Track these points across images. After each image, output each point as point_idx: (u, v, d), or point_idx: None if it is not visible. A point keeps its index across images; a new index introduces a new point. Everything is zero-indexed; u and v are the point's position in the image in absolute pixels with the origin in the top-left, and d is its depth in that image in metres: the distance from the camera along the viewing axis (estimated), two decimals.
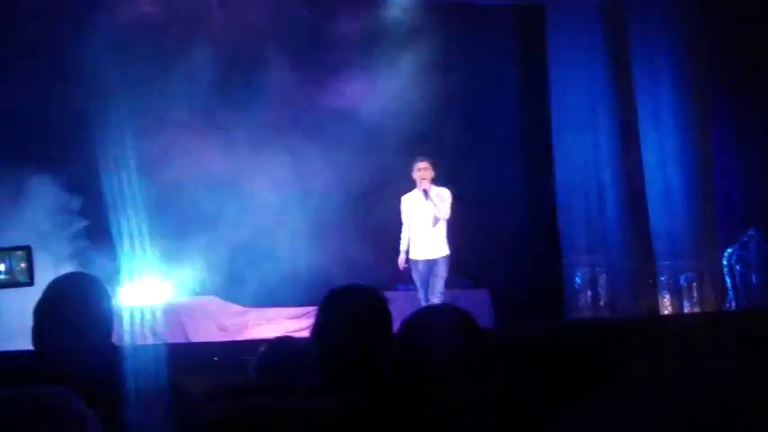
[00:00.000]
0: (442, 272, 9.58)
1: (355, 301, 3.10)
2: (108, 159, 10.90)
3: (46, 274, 8.63)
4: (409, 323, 2.97)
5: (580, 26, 12.48)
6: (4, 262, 3.30)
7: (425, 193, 9.58)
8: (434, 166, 9.67)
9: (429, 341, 2.83)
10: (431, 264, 9.62)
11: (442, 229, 9.70)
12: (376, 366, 2.96)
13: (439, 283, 9.51)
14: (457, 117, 12.03)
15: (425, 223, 9.67)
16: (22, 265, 3.32)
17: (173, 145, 11.02)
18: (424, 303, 9.40)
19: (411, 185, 9.79)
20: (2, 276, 3.29)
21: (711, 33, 11.91)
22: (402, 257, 9.79)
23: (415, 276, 9.73)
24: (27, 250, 3.32)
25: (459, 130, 12.13)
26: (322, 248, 9.70)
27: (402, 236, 9.84)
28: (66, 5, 10.74)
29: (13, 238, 8.94)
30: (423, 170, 9.63)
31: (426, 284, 9.62)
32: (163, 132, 10.98)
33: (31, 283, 3.35)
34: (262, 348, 3.94)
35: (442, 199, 9.65)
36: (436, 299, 9.36)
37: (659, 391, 2.83)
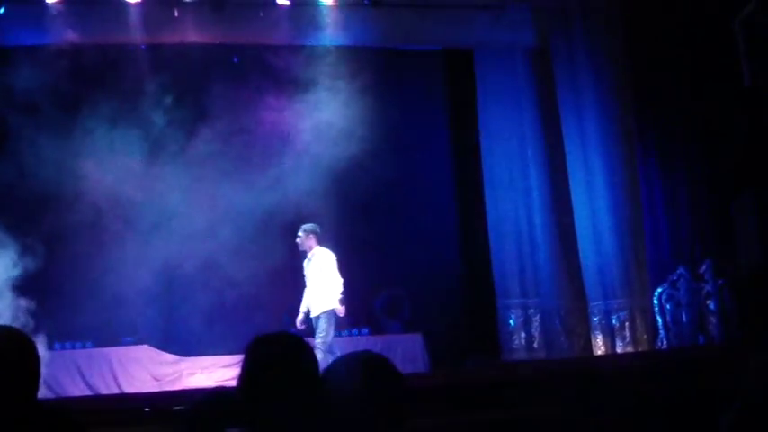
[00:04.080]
0: (322, 325, 10.04)
1: (276, 348, 3.07)
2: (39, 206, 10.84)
3: None
4: (327, 372, 2.95)
5: (507, 70, 12.71)
6: None
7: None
8: (309, 234, 10.21)
9: (349, 391, 2.81)
10: (313, 320, 10.14)
11: (321, 287, 10.16)
12: (299, 413, 2.92)
13: (316, 339, 9.87)
14: (389, 160, 12.01)
15: (309, 282, 10.30)
16: None
17: (107, 195, 10.96)
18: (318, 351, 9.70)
19: None
20: None
21: (636, 74, 12.11)
22: (299, 318, 10.26)
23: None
24: None
25: (391, 174, 12.11)
26: (256, 294, 9.64)
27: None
28: None
29: None
30: (297, 240, 10.26)
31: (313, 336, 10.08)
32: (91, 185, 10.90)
33: None
34: (197, 399, 3.89)
35: (322, 262, 10.20)
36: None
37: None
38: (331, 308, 10.05)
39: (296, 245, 10.27)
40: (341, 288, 10.11)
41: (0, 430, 2.88)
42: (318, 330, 9.99)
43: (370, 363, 2.83)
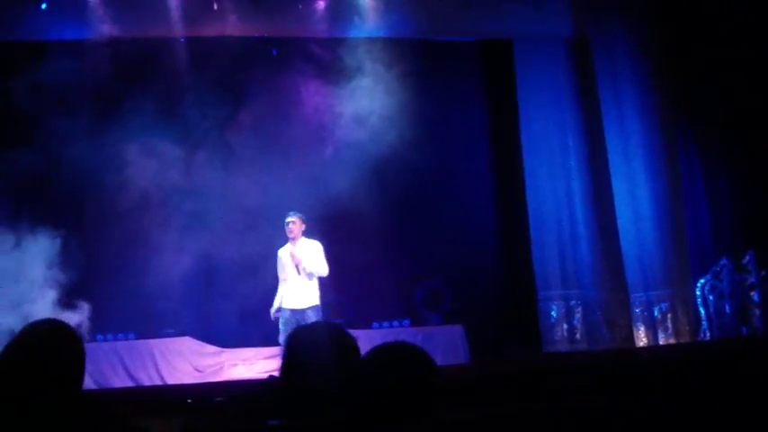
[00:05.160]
0: (310, 321, 9.38)
1: (315, 339, 3.06)
2: (80, 198, 10.97)
3: None
4: (365, 363, 2.92)
5: (548, 61, 12.63)
6: None
7: (292, 255, 9.67)
8: (303, 221, 9.76)
9: (384, 380, 2.78)
10: (298, 314, 9.58)
11: (310, 280, 9.72)
12: (340, 404, 2.92)
13: None
14: (429, 154, 12.00)
15: (293, 274, 9.69)
16: None
17: (147, 187, 11.04)
18: None
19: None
20: None
21: (677, 63, 12.00)
22: (273, 310, 9.82)
23: (282, 326, 9.64)
24: None
25: (432, 166, 12.12)
26: None
27: (278, 290, 9.89)
28: None
29: None
30: (291, 224, 9.73)
31: None
32: (132, 176, 11.00)
33: None
34: (241, 391, 3.90)
35: (312, 252, 9.73)
36: None
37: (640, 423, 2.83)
38: (319, 303, 9.74)
39: (337, 234, 10.16)
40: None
41: (47, 421, 2.91)
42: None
43: (404, 353, 2.82)
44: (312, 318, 9.46)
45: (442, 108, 12.35)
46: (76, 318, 9.74)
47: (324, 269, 9.68)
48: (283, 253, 9.81)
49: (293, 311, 9.59)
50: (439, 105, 12.26)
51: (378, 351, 2.83)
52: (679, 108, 12.10)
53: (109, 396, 9.09)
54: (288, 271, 9.74)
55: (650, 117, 11.94)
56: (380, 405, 2.66)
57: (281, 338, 9.43)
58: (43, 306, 9.73)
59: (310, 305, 9.61)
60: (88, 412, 3.04)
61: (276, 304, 9.78)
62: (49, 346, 3.10)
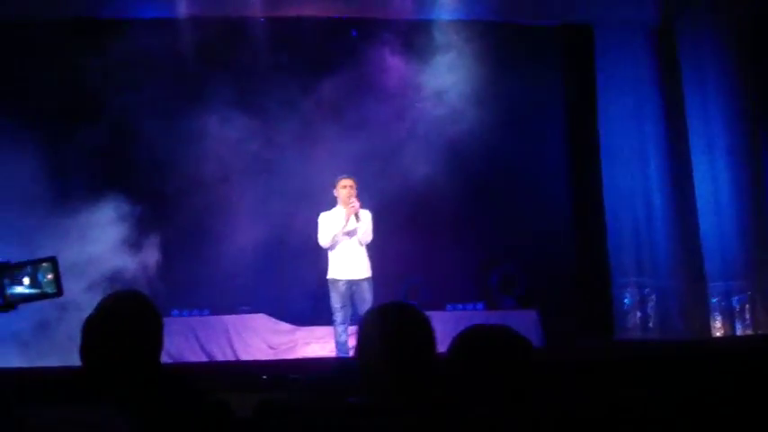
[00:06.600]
0: (368, 295, 9.23)
1: (393, 318, 3.06)
2: (157, 174, 11.13)
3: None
4: (460, 343, 2.90)
5: (629, 47, 12.46)
6: (30, 275, 3.30)
7: (356, 215, 9.27)
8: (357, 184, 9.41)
9: (480, 363, 2.77)
10: (353, 284, 9.30)
11: (364, 250, 9.42)
12: (419, 385, 2.92)
13: (365, 308, 8.94)
14: (505, 137, 11.97)
15: (351, 242, 9.36)
16: (49, 276, 3.31)
17: (225, 165, 11.17)
18: (342, 324, 9.24)
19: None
20: (30, 290, 3.28)
21: (764, 54, 11.78)
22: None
23: (335, 296, 9.33)
24: (53, 261, 3.31)
25: (507, 151, 12.11)
26: (374, 267, 9.57)
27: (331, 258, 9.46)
28: None
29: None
30: (350, 188, 9.33)
31: (348, 306, 9.30)
32: (211, 152, 11.13)
33: (59, 293, 3.34)
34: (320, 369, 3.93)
35: (366, 221, 9.39)
36: None
37: (713, 414, 2.79)
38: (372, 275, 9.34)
39: (412, 214, 10.05)
40: None
41: (127, 393, 2.96)
42: (366, 300, 9.19)
43: (501, 336, 2.81)
44: (368, 290, 9.25)
45: (520, 91, 12.29)
46: (150, 292, 9.88)
47: (371, 237, 9.40)
48: (336, 218, 9.40)
49: (349, 282, 9.31)
50: (517, 89, 12.21)
51: (473, 332, 2.82)
52: (764, 96, 11.86)
53: (185, 369, 9.21)
54: (343, 239, 9.36)
55: (734, 107, 11.75)
56: (477, 387, 2.66)
57: (338, 316, 9.29)
58: (121, 281, 9.91)
59: (368, 276, 9.35)
60: (169, 386, 3.08)
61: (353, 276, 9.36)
62: (130, 318, 3.15)
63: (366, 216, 9.39)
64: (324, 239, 9.35)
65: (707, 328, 11.63)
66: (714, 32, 11.93)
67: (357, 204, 9.25)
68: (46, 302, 3.45)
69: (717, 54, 11.86)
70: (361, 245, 9.37)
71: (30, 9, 11.29)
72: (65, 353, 8.32)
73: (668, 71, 12.26)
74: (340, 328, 9.23)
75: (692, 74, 11.98)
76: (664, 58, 12.35)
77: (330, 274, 9.40)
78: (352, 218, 9.26)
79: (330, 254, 9.42)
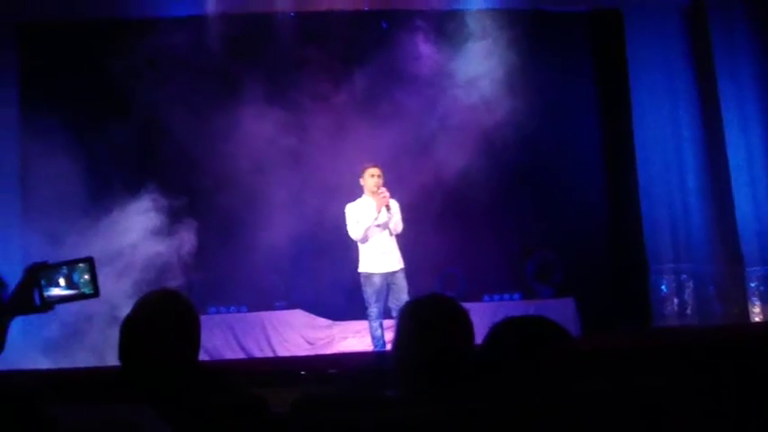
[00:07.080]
0: (404, 284, 9.03)
1: (431, 311, 3.05)
2: (191, 171, 11.20)
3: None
4: (496, 334, 2.87)
5: (659, 30, 12.32)
6: (66, 276, 3.31)
7: (387, 206, 9.05)
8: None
9: (517, 354, 2.74)
10: (388, 277, 9.09)
11: (395, 240, 9.23)
12: (456, 377, 2.90)
13: (403, 298, 8.82)
14: (539, 125, 11.91)
15: (383, 234, 9.15)
16: (86, 276, 3.32)
17: (258, 160, 11.20)
18: (378, 319, 9.13)
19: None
20: (67, 291, 3.29)
21: None
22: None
23: (369, 291, 9.12)
24: (89, 262, 3.32)
25: (540, 139, 12.04)
26: (409, 259, 9.52)
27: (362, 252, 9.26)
28: None
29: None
30: (378, 177, 9.11)
31: (382, 301, 9.11)
32: (243, 148, 11.16)
33: (96, 294, 3.35)
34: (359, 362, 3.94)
35: (396, 210, 9.22)
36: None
37: (751, 401, 2.77)
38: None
39: (446, 205, 10.02)
40: None
41: (166, 392, 2.97)
42: (403, 290, 9.00)
43: (536, 326, 2.78)
44: (402, 281, 9.05)
45: (552, 79, 12.20)
46: (187, 290, 9.94)
47: (402, 227, 9.21)
48: (365, 210, 9.15)
49: (385, 275, 9.10)
50: (549, 76, 12.13)
51: (512, 324, 2.79)
52: None
53: (223, 367, 9.26)
54: (375, 231, 9.13)
55: None
56: (514, 378, 2.64)
57: (373, 310, 9.16)
58: (157, 278, 9.97)
59: (402, 266, 9.14)
60: (207, 383, 3.09)
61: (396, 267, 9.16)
62: (167, 317, 3.16)
63: (395, 205, 9.20)
64: (356, 232, 9.11)
65: (745, 313, 11.53)
66: (745, 12, 11.79)
67: (388, 195, 9.05)
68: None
69: (750, 35, 11.74)
70: (392, 235, 9.21)
71: (62, 10, 11.41)
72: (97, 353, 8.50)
73: (700, 53, 12.14)
74: (375, 323, 9.13)
75: (725, 55, 11.84)
76: (695, 40, 12.22)
77: (364, 268, 9.19)
78: (383, 209, 9.05)
79: (362, 247, 9.20)
